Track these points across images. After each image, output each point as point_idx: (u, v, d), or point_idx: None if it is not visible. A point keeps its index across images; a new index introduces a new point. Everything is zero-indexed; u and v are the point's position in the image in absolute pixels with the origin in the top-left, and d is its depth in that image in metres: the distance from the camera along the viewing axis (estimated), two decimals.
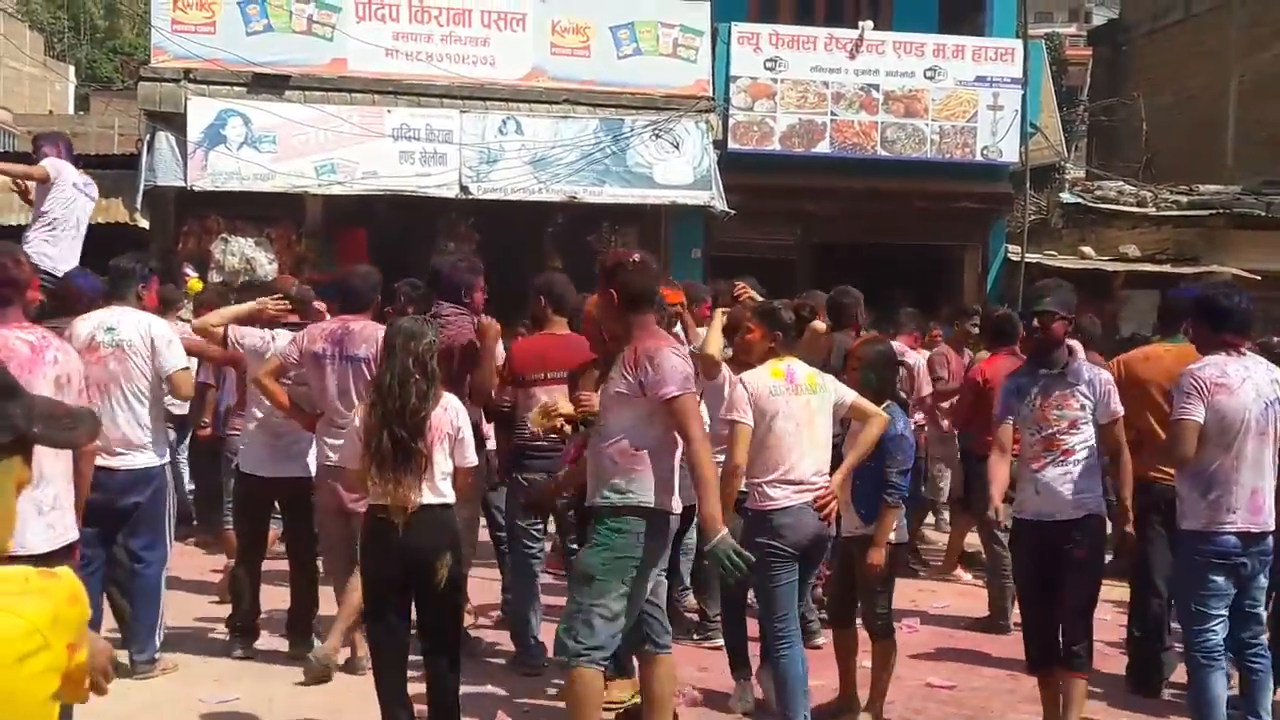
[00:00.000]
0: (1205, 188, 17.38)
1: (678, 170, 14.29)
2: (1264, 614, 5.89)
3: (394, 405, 5.22)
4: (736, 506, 5.66)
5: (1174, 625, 6.81)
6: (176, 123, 13.12)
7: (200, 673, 6.74)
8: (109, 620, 6.70)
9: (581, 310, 6.40)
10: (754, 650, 6.42)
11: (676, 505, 5.07)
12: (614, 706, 5.92)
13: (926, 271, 15.46)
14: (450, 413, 5.45)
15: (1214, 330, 5.80)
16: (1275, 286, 14.13)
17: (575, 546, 6.16)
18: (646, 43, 14.52)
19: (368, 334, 6.49)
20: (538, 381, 6.71)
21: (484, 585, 8.12)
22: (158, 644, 6.66)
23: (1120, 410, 5.83)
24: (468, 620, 7.02)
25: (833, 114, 15.04)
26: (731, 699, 6.44)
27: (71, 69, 46.31)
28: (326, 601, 7.03)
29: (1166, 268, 15.87)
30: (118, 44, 46.82)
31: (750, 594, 6.21)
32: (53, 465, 4.87)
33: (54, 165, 8.67)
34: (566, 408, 5.82)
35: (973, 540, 9.57)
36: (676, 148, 14.30)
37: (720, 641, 6.91)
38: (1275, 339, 7.74)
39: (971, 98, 15.30)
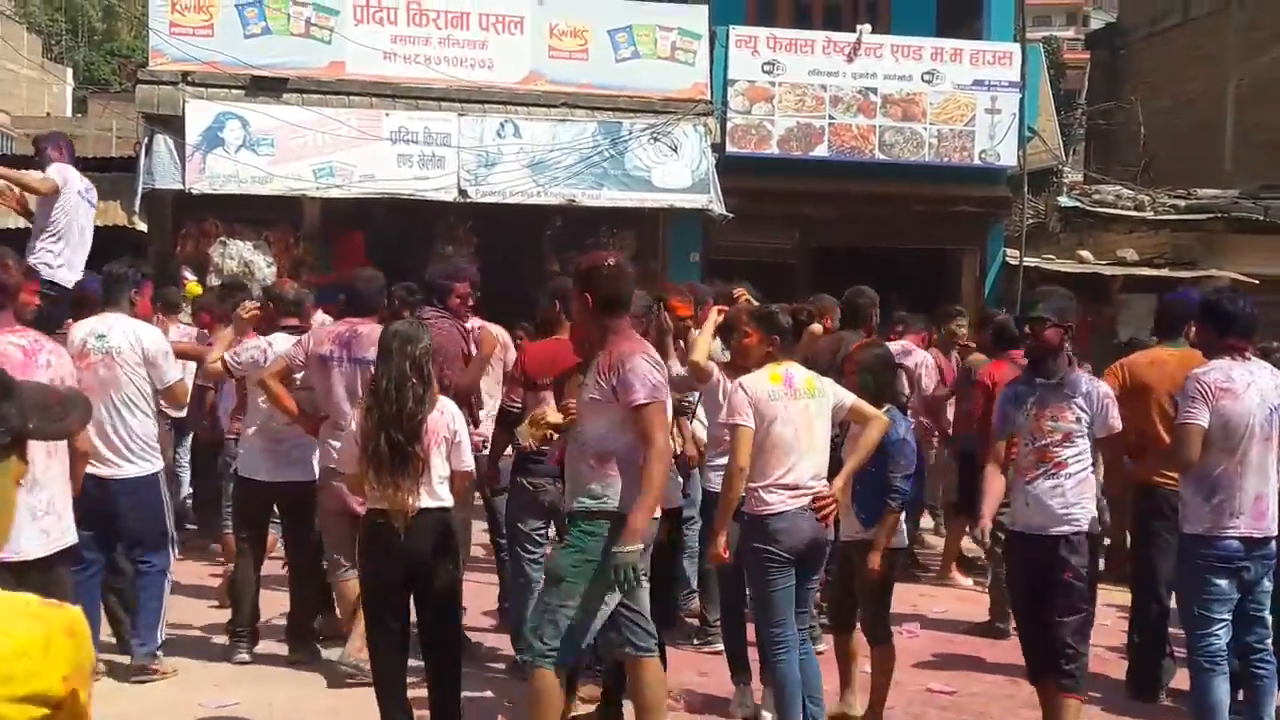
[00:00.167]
0: (1203, 192, 17.38)
1: (676, 173, 14.29)
2: (1269, 618, 5.86)
3: (391, 409, 5.22)
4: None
5: (1175, 631, 6.79)
6: (174, 125, 13.12)
7: (200, 678, 6.71)
8: (105, 628, 6.70)
9: None
10: (754, 655, 6.40)
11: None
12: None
13: (925, 275, 15.45)
14: (446, 416, 5.45)
15: (1219, 334, 5.78)
16: (1274, 291, 14.09)
17: None
18: (644, 46, 14.52)
19: (376, 337, 6.49)
20: (549, 385, 6.69)
21: (481, 590, 8.10)
22: (159, 640, 6.67)
23: (1118, 425, 5.70)
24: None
25: (831, 117, 15.04)
26: (731, 704, 6.42)
27: (69, 71, 46.28)
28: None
29: (1164, 272, 15.86)
30: (115, 46, 46.75)
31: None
32: (46, 469, 4.86)
33: (60, 174, 8.60)
34: (555, 417, 5.78)
35: (971, 545, 9.56)
36: (675, 151, 14.31)
37: (720, 646, 6.89)
38: (1276, 344, 7.74)
39: (969, 101, 15.30)
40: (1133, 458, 6.37)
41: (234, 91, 13.37)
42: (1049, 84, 18.82)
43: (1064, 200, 17.12)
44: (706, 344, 6.43)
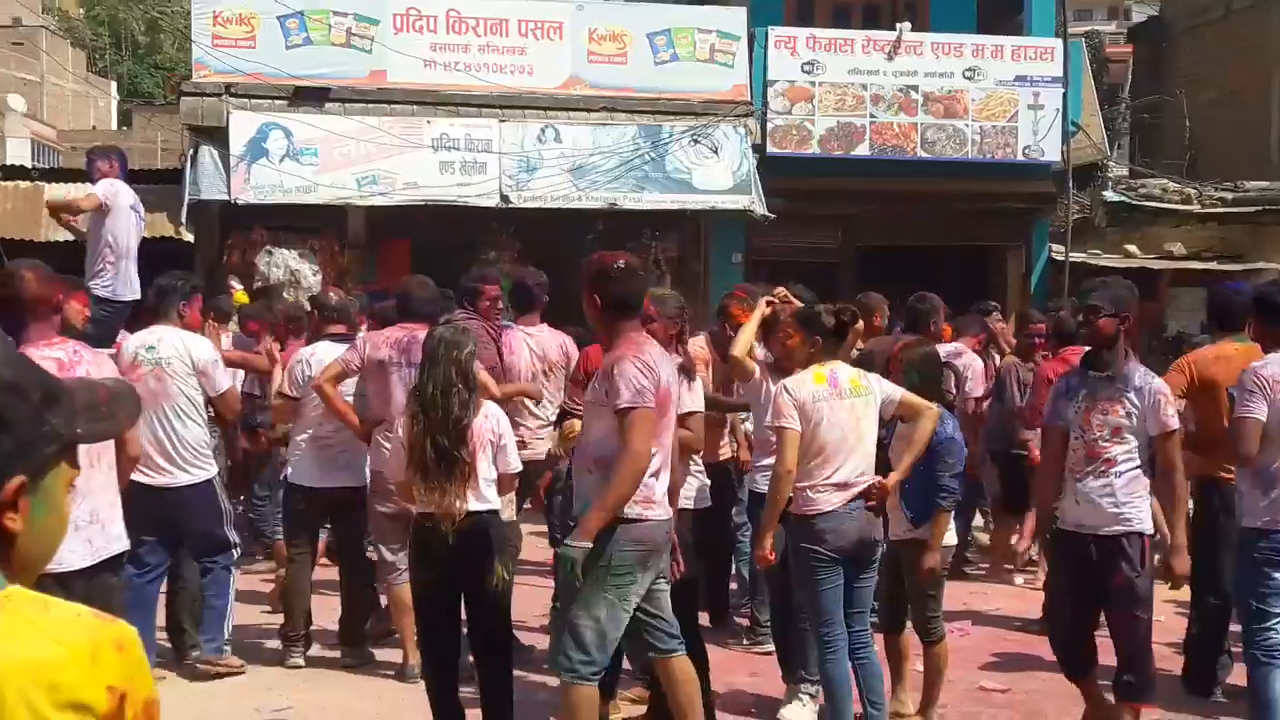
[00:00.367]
0: (1250, 184, 17.18)
1: (717, 175, 14.27)
2: None
3: (437, 415, 5.24)
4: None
5: (1233, 629, 6.71)
6: (219, 137, 13.25)
7: (253, 682, 6.77)
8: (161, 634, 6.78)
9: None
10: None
11: (661, 512, 4.98)
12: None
13: (970, 273, 15.32)
14: (491, 420, 5.48)
15: (1272, 327, 5.71)
16: None
17: None
18: (684, 48, 14.51)
19: None
20: None
21: (533, 593, 8.11)
22: (226, 634, 6.79)
23: (1173, 424, 5.50)
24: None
25: (872, 116, 14.98)
26: (783, 704, 6.40)
27: (114, 85, 46.87)
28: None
29: (1212, 265, 15.70)
30: (159, 59, 47.27)
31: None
32: (88, 479, 4.89)
33: (109, 189, 8.68)
34: None
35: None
36: (715, 153, 14.29)
37: (771, 647, 6.87)
38: None
39: (1012, 97, 15.19)
40: (1196, 452, 6.27)
41: (277, 102, 13.50)
42: (1092, 78, 18.66)
43: (1109, 195, 16.96)
44: (747, 341, 6.40)
